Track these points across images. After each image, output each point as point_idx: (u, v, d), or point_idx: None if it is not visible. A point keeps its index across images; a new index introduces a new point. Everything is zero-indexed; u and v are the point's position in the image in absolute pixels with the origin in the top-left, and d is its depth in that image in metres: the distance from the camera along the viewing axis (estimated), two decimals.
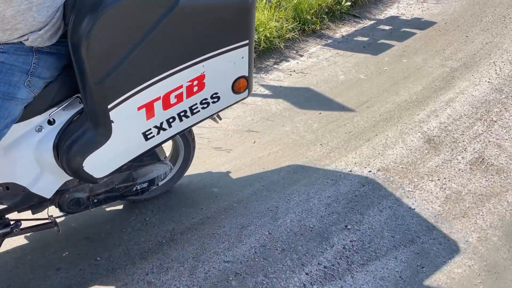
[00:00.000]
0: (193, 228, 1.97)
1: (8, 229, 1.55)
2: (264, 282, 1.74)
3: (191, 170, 2.30)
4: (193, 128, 2.45)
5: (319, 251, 1.87)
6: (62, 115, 1.44)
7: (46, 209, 1.65)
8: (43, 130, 1.42)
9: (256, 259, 1.83)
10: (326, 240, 1.93)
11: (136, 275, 1.74)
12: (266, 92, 3.05)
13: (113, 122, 1.40)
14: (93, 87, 1.31)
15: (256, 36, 3.39)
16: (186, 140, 1.93)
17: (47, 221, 1.65)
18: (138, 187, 1.80)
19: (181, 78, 1.47)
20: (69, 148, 1.41)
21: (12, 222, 1.58)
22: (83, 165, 1.43)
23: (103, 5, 1.22)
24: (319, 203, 2.13)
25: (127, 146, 1.50)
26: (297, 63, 3.43)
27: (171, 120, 1.53)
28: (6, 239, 1.64)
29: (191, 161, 2.02)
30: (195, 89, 1.52)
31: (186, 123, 1.59)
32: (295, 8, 3.81)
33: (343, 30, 3.96)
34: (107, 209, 2.04)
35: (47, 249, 1.83)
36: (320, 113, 2.81)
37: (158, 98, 1.45)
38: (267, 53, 3.49)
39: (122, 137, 1.46)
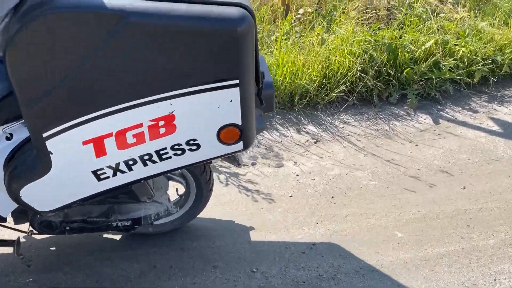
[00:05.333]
0: (360, 273, 1.68)
1: None
2: None
3: (373, 203, 1.99)
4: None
5: None
6: (22, 131, 1.33)
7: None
8: None
9: None
10: None
11: None
12: (495, 128, 2.47)
13: (51, 153, 1.27)
14: (22, 108, 1.18)
15: (499, 58, 2.76)
16: (197, 181, 1.73)
17: (11, 239, 1.58)
18: (119, 224, 1.63)
19: (140, 115, 1.25)
20: (11, 171, 1.31)
21: None
22: (20, 194, 1.33)
23: (35, 12, 1.07)
24: None
25: (74, 183, 1.36)
26: None
27: (131, 162, 1.34)
28: None
29: (207, 201, 1.81)
30: (162, 130, 1.29)
31: (153, 168, 1.37)
32: None
33: None
34: (271, 218, 1.92)
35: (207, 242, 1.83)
36: None
37: (110, 135, 1.27)
38: (508, 80, 2.83)
39: (66, 173, 1.32)
